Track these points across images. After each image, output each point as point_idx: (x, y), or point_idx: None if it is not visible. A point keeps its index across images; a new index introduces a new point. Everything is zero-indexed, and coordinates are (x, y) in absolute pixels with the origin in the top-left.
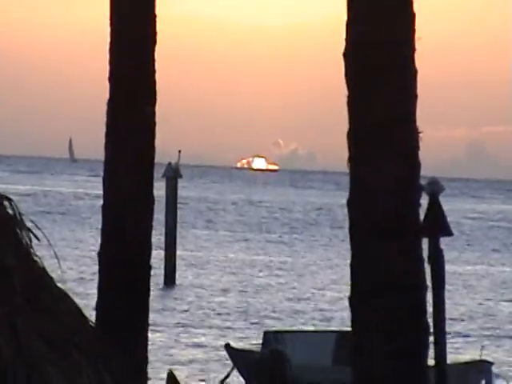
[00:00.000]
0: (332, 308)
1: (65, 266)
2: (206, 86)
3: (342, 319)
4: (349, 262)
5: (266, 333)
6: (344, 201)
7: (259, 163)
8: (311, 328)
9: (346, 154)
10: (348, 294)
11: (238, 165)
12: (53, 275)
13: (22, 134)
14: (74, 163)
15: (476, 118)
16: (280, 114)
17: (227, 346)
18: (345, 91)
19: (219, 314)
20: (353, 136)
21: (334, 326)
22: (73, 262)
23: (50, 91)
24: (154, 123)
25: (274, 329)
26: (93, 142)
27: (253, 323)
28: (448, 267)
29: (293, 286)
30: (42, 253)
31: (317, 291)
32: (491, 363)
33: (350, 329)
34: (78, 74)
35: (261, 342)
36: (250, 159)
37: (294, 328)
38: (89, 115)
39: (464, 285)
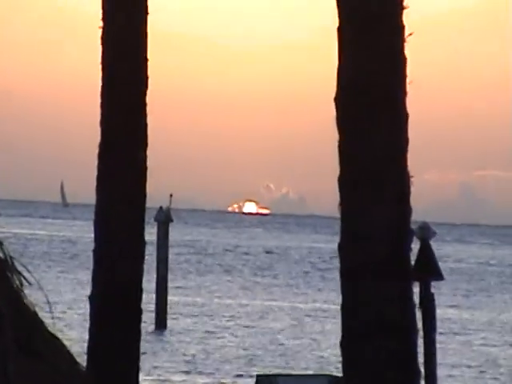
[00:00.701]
0: (328, 352)
1: (56, 310)
2: (196, 129)
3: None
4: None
5: (258, 376)
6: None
7: (250, 207)
8: (304, 372)
9: (336, 198)
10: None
11: (229, 209)
12: (44, 319)
13: (13, 177)
14: (66, 207)
15: (468, 162)
16: (271, 158)
17: None
18: (336, 135)
19: (209, 359)
20: (343, 180)
21: (329, 371)
22: (65, 305)
23: (41, 134)
24: (146, 167)
25: (266, 372)
26: (85, 185)
27: (245, 366)
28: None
29: (287, 330)
30: (34, 296)
31: (310, 336)
32: None
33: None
34: (71, 117)
35: None
36: (241, 204)
37: (287, 372)
38: (81, 159)
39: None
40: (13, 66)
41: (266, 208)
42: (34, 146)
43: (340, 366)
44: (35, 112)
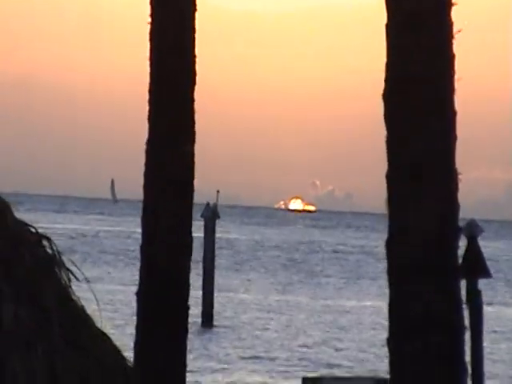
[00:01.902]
0: (372, 353)
1: (103, 306)
2: (243, 125)
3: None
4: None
5: (304, 379)
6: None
7: (296, 204)
8: (350, 374)
9: (381, 195)
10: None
11: (276, 206)
12: (91, 315)
13: (66, 174)
14: (116, 203)
15: None
16: (317, 155)
17: None
18: (382, 131)
19: (257, 356)
20: (391, 177)
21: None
22: (112, 301)
23: (91, 132)
24: (193, 162)
25: (312, 375)
26: (134, 182)
27: (291, 366)
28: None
29: (332, 330)
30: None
31: (357, 335)
32: None
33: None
34: (120, 112)
35: None
36: (287, 201)
37: (333, 374)
38: (131, 156)
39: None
40: (64, 64)
41: (311, 205)
42: (85, 144)
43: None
44: (87, 110)
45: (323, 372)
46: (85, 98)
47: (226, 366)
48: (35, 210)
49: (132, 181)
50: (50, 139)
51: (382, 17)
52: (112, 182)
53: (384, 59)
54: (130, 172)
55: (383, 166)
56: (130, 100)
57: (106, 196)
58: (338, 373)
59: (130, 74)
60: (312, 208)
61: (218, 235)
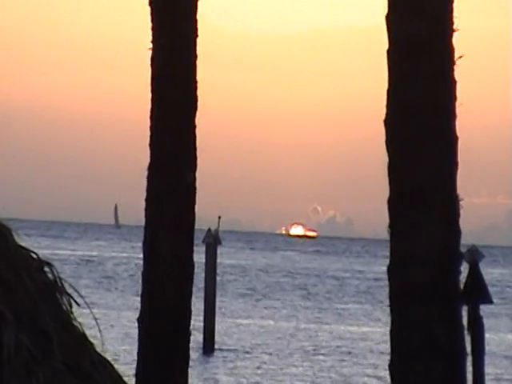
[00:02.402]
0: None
1: (106, 332)
2: (244, 151)
3: None
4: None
5: None
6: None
7: (297, 230)
8: None
9: (382, 221)
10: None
11: (277, 231)
12: (93, 341)
13: (69, 200)
14: (119, 229)
15: None
16: (318, 180)
17: None
18: (383, 157)
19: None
20: (393, 203)
21: None
22: (114, 327)
23: (93, 158)
24: (195, 189)
25: None
26: (136, 207)
27: None
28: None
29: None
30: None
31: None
32: None
33: None
34: (121, 138)
35: None
36: (288, 226)
37: None
38: (134, 181)
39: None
40: (65, 89)
41: (313, 230)
42: (87, 171)
43: None
44: (89, 136)
45: None
46: (88, 123)
47: None
48: (40, 235)
49: (135, 206)
50: (53, 165)
51: (384, 41)
52: (115, 207)
53: (385, 84)
54: (133, 197)
55: (385, 192)
56: (135, 124)
57: (109, 222)
58: None
59: (135, 97)
60: (313, 234)
61: (219, 260)
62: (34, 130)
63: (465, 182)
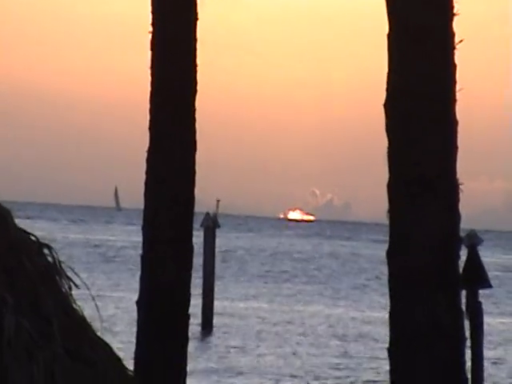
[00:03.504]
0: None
1: (104, 314)
2: (243, 134)
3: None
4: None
5: None
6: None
7: (295, 214)
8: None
9: (381, 205)
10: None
11: (275, 216)
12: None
13: (68, 183)
14: (119, 211)
15: None
16: (316, 164)
17: None
18: (383, 141)
19: (256, 367)
20: (393, 188)
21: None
22: (113, 309)
23: (94, 141)
24: (194, 172)
25: None
26: (137, 190)
27: (292, 376)
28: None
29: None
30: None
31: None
32: None
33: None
34: (120, 122)
35: None
36: (286, 211)
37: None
38: (135, 164)
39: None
40: (66, 71)
41: (311, 214)
42: (87, 153)
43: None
44: (89, 118)
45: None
46: (88, 106)
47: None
48: (43, 218)
49: (136, 189)
50: (52, 147)
51: (385, 24)
52: (116, 189)
53: (386, 67)
54: (133, 180)
55: (384, 176)
56: (135, 107)
57: (109, 204)
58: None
59: (135, 81)
60: (311, 218)
61: (217, 244)
62: (33, 113)
63: (464, 168)
